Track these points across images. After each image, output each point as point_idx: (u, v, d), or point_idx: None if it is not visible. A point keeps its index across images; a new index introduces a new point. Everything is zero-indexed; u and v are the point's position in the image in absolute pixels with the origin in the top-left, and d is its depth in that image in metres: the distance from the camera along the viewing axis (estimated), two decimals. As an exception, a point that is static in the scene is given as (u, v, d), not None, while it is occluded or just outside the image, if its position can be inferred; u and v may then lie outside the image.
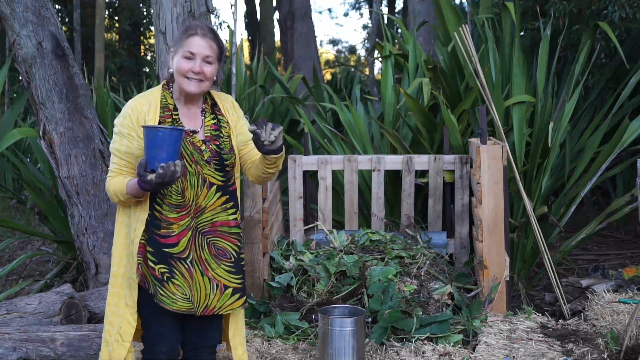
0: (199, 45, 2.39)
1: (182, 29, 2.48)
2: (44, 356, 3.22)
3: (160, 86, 2.50)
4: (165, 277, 2.38)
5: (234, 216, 2.50)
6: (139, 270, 2.39)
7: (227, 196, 2.48)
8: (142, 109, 2.40)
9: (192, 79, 2.39)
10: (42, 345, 3.24)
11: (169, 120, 2.42)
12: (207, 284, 2.43)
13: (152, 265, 2.38)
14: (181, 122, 2.44)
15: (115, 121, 2.43)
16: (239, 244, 2.51)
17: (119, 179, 2.39)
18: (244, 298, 2.53)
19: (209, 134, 2.46)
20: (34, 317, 3.63)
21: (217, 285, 2.44)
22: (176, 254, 2.39)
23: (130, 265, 2.42)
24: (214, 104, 2.55)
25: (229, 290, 2.47)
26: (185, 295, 2.39)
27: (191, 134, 2.43)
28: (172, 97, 2.47)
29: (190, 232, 2.41)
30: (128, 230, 2.43)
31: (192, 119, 2.47)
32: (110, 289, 2.47)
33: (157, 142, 2.20)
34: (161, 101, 2.45)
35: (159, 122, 2.41)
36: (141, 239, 2.39)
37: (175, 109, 2.45)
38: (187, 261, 2.40)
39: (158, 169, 2.20)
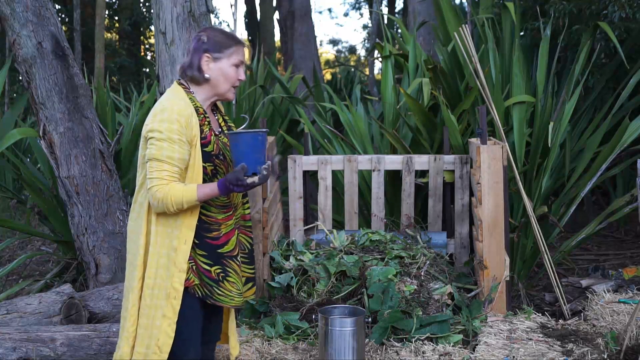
0: (244, 55, 2.52)
1: (225, 37, 2.48)
2: (44, 356, 3.22)
3: (181, 90, 2.47)
4: (220, 277, 2.44)
5: (248, 210, 2.62)
6: (195, 272, 2.40)
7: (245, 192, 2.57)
8: (187, 113, 2.37)
9: (233, 88, 2.51)
10: (42, 345, 3.24)
11: (206, 123, 2.45)
12: None
13: (207, 267, 2.42)
14: (212, 125, 2.50)
15: (157, 127, 2.33)
16: (252, 235, 2.63)
17: (179, 187, 2.32)
18: (255, 287, 2.64)
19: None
20: (34, 317, 3.64)
21: None
22: (227, 252, 2.46)
23: (169, 275, 2.37)
24: (216, 106, 2.64)
25: (243, 280, 2.56)
26: (239, 290, 2.49)
27: (220, 135, 2.52)
28: (197, 101, 2.49)
29: (237, 231, 2.51)
30: (167, 239, 2.38)
31: (214, 122, 2.55)
32: (148, 302, 2.39)
33: (256, 146, 2.29)
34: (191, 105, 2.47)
35: (200, 126, 2.41)
36: (194, 245, 2.40)
37: (205, 112, 2.48)
38: (238, 258, 2.50)
39: (262, 171, 2.28)
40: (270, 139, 4.44)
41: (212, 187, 2.32)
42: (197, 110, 2.43)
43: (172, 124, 2.32)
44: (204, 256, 2.42)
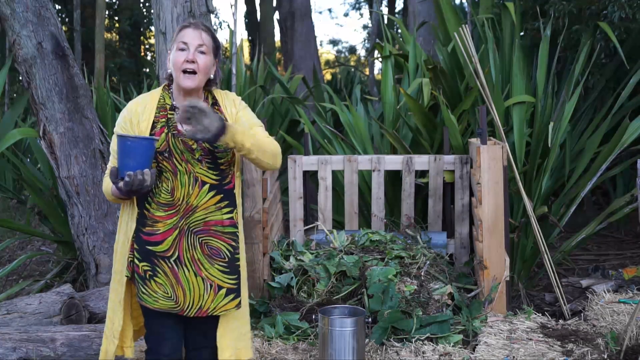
0: (191, 35, 2.42)
1: (177, 28, 2.53)
2: (44, 356, 3.22)
3: (161, 87, 2.54)
4: (147, 275, 2.40)
5: (229, 215, 2.46)
6: (129, 267, 2.43)
7: (222, 195, 2.45)
8: (136, 110, 2.44)
9: (187, 73, 2.39)
10: (42, 346, 3.24)
11: (163, 120, 2.44)
12: (200, 284, 2.41)
13: (137, 262, 2.41)
14: (174, 122, 2.44)
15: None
16: (233, 244, 2.47)
17: (108, 179, 2.44)
18: (239, 299, 2.48)
19: None
20: (34, 317, 3.64)
21: (211, 286, 2.42)
22: (159, 252, 2.40)
23: (123, 262, 2.46)
24: (215, 103, 2.55)
25: (223, 291, 2.44)
26: (168, 294, 2.39)
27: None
28: (170, 98, 2.49)
29: (176, 232, 2.40)
30: (127, 228, 2.46)
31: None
32: (111, 285, 2.53)
33: (126, 151, 2.24)
34: (159, 101, 2.48)
35: (153, 122, 2.43)
36: (132, 236, 2.42)
37: (172, 108, 2.47)
38: (171, 260, 2.40)
39: (125, 177, 2.23)
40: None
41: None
42: (162, 107, 2.46)
43: (120, 119, 2.48)
44: (137, 250, 2.41)
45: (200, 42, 2.41)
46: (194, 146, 2.41)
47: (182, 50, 2.40)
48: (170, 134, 2.42)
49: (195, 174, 2.41)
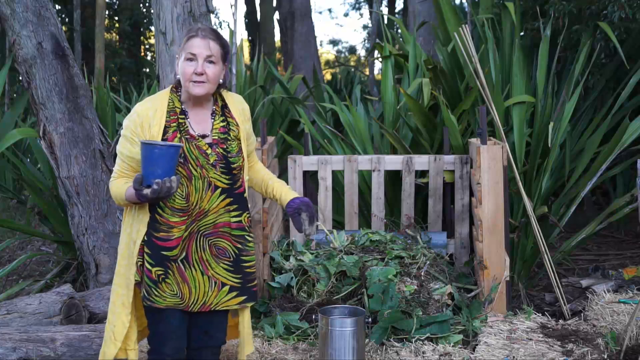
0: (199, 45, 2.40)
1: (185, 33, 2.50)
2: (44, 356, 3.22)
3: (168, 89, 2.52)
4: (160, 279, 2.42)
5: (237, 218, 2.50)
6: (139, 270, 2.43)
7: (232, 199, 2.48)
8: (147, 114, 2.42)
9: (196, 82, 2.39)
10: (42, 346, 3.24)
11: (174, 124, 2.43)
12: (206, 282, 2.46)
13: (149, 267, 2.41)
14: (187, 126, 2.45)
15: (123, 122, 2.47)
16: (239, 245, 2.52)
17: (119, 183, 2.43)
18: (243, 298, 2.53)
19: (216, 137, 2.47)
20: (34, 318, 3.64)
21: (215, 283, 2.47)
22: (172, 256, 2.42)
23: (129, 266, 2.45)
24: (225, 105, 2.56)
25: (226, 288, 2.49)
26: (174, 292, 2.43)
27: (199, 138, 2.44)
28: (179, 101, 2.48)
29: (186, 234, 2.43)
30: (131, 230, 2.46)
31: (201, 123, 2.48)
32: (112, 287, 2.53)
33: (153, 159, 2.24)
34: (168, 105, 2.46)
35: (165, 127, 2.42)
36: (142, 241, 2.42)
37: (182, 112, 2.46)
38: (179, 260, 2.44)
39: (153, 184, 2.24)
40: (270, 139, 4.43)
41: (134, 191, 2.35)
42: (172, 110, 2.45)
43: (129, 121, 2.44)
44: (149, 255, 2.42)
45: (208, 52, 2.40)
46: (209, 151, 2.43)
47: (190, 60, 2.39)
48: (183, 138, 2.42)
49: (209, 178, 2.43)
